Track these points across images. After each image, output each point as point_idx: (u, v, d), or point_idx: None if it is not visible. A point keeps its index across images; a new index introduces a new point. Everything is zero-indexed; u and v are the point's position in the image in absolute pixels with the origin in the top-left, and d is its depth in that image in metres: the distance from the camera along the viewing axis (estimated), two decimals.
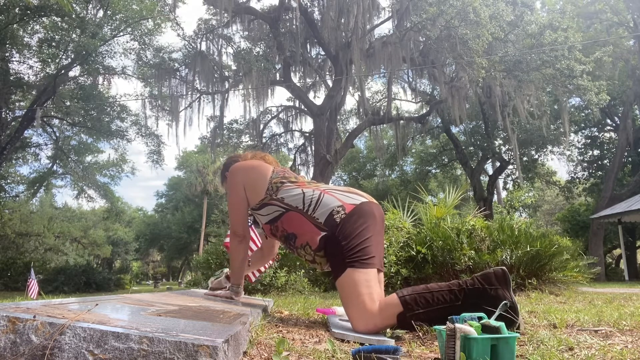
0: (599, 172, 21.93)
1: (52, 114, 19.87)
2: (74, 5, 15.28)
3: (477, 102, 18.51)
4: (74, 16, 15.75)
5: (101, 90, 19.50)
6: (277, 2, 15.30)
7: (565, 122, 16.13)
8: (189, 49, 15.87)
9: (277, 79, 16.00)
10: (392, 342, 1.53)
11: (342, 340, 1.62)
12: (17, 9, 15.58)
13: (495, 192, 22.49)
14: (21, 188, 24.45)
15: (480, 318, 1.37)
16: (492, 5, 13.33)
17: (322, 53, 16.44)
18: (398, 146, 19.68)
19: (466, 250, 4.73)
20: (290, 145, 19.68)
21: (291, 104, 18.44)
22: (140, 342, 0.88)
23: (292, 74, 15.99)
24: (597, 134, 22.65)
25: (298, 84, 16.46)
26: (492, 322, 1.27)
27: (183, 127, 16.14)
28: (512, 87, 14.06)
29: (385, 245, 5.01)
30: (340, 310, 2.18)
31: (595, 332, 1.73)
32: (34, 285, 9.82)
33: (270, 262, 3.12)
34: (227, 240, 2.69)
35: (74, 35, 16.61)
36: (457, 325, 1.21)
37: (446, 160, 24.79)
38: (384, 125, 19.51)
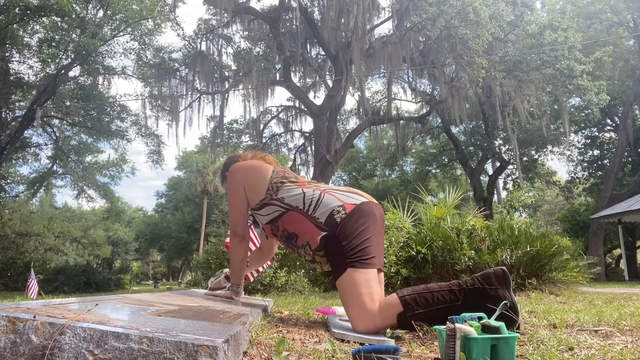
0: (599, 172, 21.93)
1: (52, 114, 19.87)
2: (74, 5, 15.28)
3: (477, 102, 18.51)
4: (74, 16, 15.75)
5: (101, 90, 19.51)
6: (277, 2, 15.30)
7: (565, 122, 16.13)
8: (189, 49, 15.87)
9: (277, 79, 16.00)
10: (392, 342, 1.53)
11: (342, 340, 1.62)
12: (17, 9, 15.58)
13: (495, 192, 22.49)
14: (21, 188, 24.49)
15: (480, 318, 1.37)
16: (492, 5, 13.33)
17: (322, 53, 16.44)
18: (398, 146, 19.68)
19: (466, 250, 4.73)
20: (290, 145, 19.71)
21: (291, 104, 18.45)
22: (140, 342, 0.88)
23: (292, 74, 15.99)
24: (597, 134, 22.65)
25: (298, 84, 16.46)
26: (492, 322, 1.27)
27: (183, 127, 16.16)
28: (512, 87, 14.07)
29: (385, 245, 5.00)
30: (340, 310, 2.17)
31: (595, 332, 1.73)
32: (33, 285, 9.82)
33: (269, 262, 3.12)
34: (228, 240, 2.69)
35: (74, 35, 16.61)
36: (457, 325, 1.21)
37: (446, 160, 24.79)
38: (384, 125, 19.51)
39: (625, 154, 20.10)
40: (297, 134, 19.19)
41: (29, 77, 18.30)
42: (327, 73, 17.10)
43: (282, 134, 19.42)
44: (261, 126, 17.95)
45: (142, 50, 17.89)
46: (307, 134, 18.41)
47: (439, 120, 20.33)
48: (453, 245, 4.84)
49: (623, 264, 17.06)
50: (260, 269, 3.39)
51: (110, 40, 17.37)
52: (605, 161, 21.95)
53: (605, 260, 19.50)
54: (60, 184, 26.66)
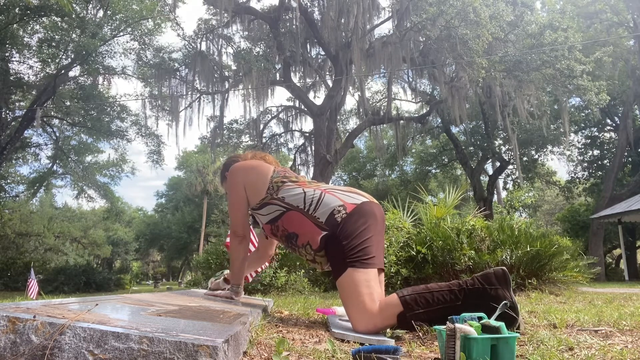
0: (599, 172, 21.92)
1: (52, 114, 19.87)
2: (74, 5, 15.27)
3: (477, 102, 18.51)
4: (74, 16, 15.75)
5: (101, 90, 19.50)
6: (277, 2, 15.30)
7: (565, 122, 16.13)
8: (189, 49, 15.87)
9: (277, 79, 16.00)
10: (392, 342, 1.53)
11: (342, 340, 1.62)
12: (17, 9, 15.58)
13: (495, 192, 22.49)
14: (21, 188, 24.48)
15: (480, 318, 1.37)
16: (492, 5, 13.33)
17: (322, 53, 16.44)
18: (398, 146, 19.67)
19: (466, 250, 4.73)
20: (290, 145, 19.71)
21: (291, 104, 18.45)
22: (140, 342, 0.88)
23: (292, 74, 15.99)
24: (597, 134, 22.65)
25: (298, 84, 16.46)
26: (492, 322, 1.27)
27: (183, 127, 16.15)
28: (512, 87, 14.07)
29: (385, 245, 5.00)
30: (340, 310, 2.17)
31: (595, 332, 1.73)
32: (33, 285, 9.82)
33: (267, 263, 3.12)
34: (228, 240, 2.69)
35: (74, 35, 16.61)
36: (457, 325, 1.21)
37: (446, 160, 24.79)
38: (384, 125, 19.51)
39: (625, 154, 20.10)
40: (297, 134, 19.20)
41: (29, 77, 18.33)
42: (327, 73, 17.10)
43: (282, 134, 19.43)
44: (261, 126, 17.95)
45: (142, 50, 17.90)
46: (307, 134, 18.42)
47: (439, 120, 20.33)
48: (453, 245, 4.84)
49: (623, 264, 17.06)
50: (259, 269, 3.40)
51: (110, 40, 17.36)
52: (605, 161, 21.95)
53: (605, 260, 19.50)
54: (60, 184, 26.69)
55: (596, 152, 22.73)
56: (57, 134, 21.44)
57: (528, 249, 4.63)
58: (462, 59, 13.13)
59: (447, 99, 14.58)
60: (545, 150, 21.78)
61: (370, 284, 1.80)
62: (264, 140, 18.32)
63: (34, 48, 17.56)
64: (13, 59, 17.70)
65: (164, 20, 17.50)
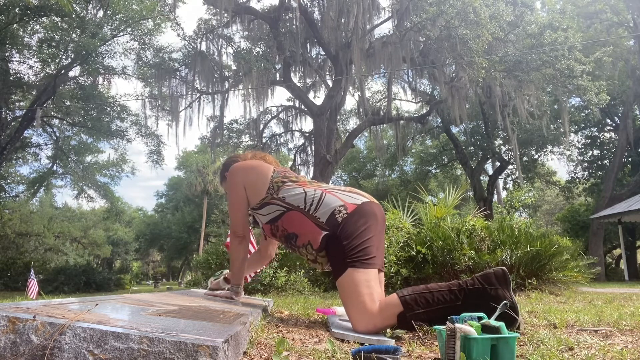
0: (599, 172, 21.93)
1: (52, 114, 19.87)
2: (74, 5, 15.27)
3: (477, 102, 18.51)
4: (74, 16, 15.75)
5: (101, 90, 19.50)
6: (277, 2, 15.30)
7: (565, 122, 16.13)
8: (189, 49, 15.87)
9: (277, 79, 16.00)
10: (392, 342, 1.53)
11: (342, 340, 1.62)
12: (17, 9, 15.58)
13: (495, 192, 22.49)
14: (21, 188, 24.48)
15: (480, 318, 1.37)
16: (492, 5, 13.33)
17: (322, 53, 16.44)
18: (398, 146, 19.67)
19: (466, 250, 4.73)
20: (290, 145, 19.71)
21: (291, 104, 18.45)
22: (140, 342, 0.88)
23: (292, 74, 15.99)
24: (597, 134, 22.65)
25: (298, 84, 16.46)
26: (492, 322, 1.27)
27: (183, 127, 16.15)
28: (512, 87, 14.07)
29: (385, 245, 5.00)
30: (340, 310, 2.18)
31: (595, 332, 1.73)
32: (33, 285, 9.82)
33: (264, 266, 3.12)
34: (229, 240, 2.69)
35: (74, 35, 16.61)
36: (457, 325, 1.21)
37: (446, 160, 24.79)
38: (384, 125, 19.51)
39: (625, 154, 20.10)
40: (297, 134, 19.20)
41: (29, 77, 18.33)
42: (327, 73, 17.10)
43: (282, 134, 19.43)
44: (261, 126, 17.94)
45: (142, 50, 17.89)
46: (307, 134, 18.42)
47: (439, 120, 20.33)
48: (453, 245, 4.84)
49: (623, 264, 17.06)
50: (258, 269, 3.40)
51: (110, 40, 17.36)
52: (605, 161, 21.95)
53: (605, 260, 19.50)
54: (60, 184, 26.69)
55: (596, 152, 22.73)
56: (57, 134, 21.44)
57: (528, 249, 4.63)
58: (462, 59, 13.13)
59: (447, 99, 14.58)
60: (545, 150, 21.78)
61: (370, 284, 1.80)
62: (264, 140, 18.32)
63: (34, 48, 17.56)
64: (13, 59, 17.71)
65: (164, 20, 17.50)
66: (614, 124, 21.72)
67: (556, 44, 13.21)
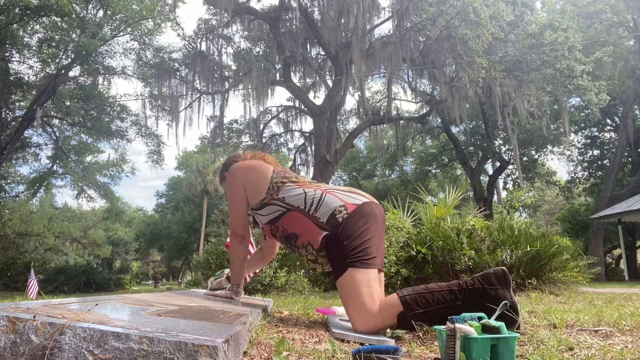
0: (599, 172, 21.93)
1: (52, 114, 19.87)
2: (74, 5, 15.27)
3: (477, 102, 18.51)
4: (74, 16, 15.74)
5: (101, 90, 19.50)
6: (277, 2, 15.30)
7: (565, 122, 16.13)
8: (189, 49, 15.87)
9: (277, 79, 16.00)
10: (392, 342, 1.53)
11: (342, 340, 1.62)
12: (17, 9, 15.58)
13: (495, 192, 22.49)
14: (21, 188, 24.48)
15: (480, 318, 1.37)
16: (492, 5, 13.33)
17: (322, 53, 16.44)
18: (398, 146, 19.67)
19: (466, 250, 4.73)
20: (290, 145, 19.71)
21: (291, 104, 18.45)
22: (140, 342, 0.88)
23: (292, 74, 15.99)
24: (597, 134, 22.65)
25: (298, 84, 16.46)
26: (492, 322, 1.27)
27: (183, 127, 16.15)
28: (512, 87, 14.07)
29: (385, 245, 5.00)
30: (340, 310, 2.18)
31: (595, 332, 1.73)
32: (33, 285, 9.82)
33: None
34: (229, 240, 2.69)
35: (74, 35, 16.61)
36: (457, 325, 1.21)
37: (446, 160, 24.79)
38: (384, 125, 19.51)
39: (625, 154, 20.10)
40: (297, 134, 19.20)
41: (29, 77, 18.33)
42: (327, 73, 17.10)
43: (282, 134, 19.43)
44: (261, 126, 17.94)
45: (142, 50, 17.89)
46: (307, 134, 18.42)
47: (439, 120, 20.33)
48: (453, 245, 4.84)
49: (623, 264, 17.06)
50: (257, 270, 3.40)
51: (110, 40, 17.36)
52: (605, 161, 21.95)
53: (605, 260, 19.50)
54: (60, 184, 26.70)
55: (596, 152, 22.74)
56: (57, 134, 21.44)
57: (528, 249, 4.63)
58: (462, 59, 13.13)
59: (447, 99, 14.58)
60: (545, 150, 21.78)
61: (370, 284, 1.80)
62: (264, 140, 18.32)
63: (34, 48, 17.57)
64: (13, 59, 17.71)
65: (164, 20, 17.50)
66: (614, 124, 21.72)
67: (556, 44, 13.21)
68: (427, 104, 19.29)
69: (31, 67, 18.21)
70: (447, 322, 1.26)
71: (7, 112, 18.05)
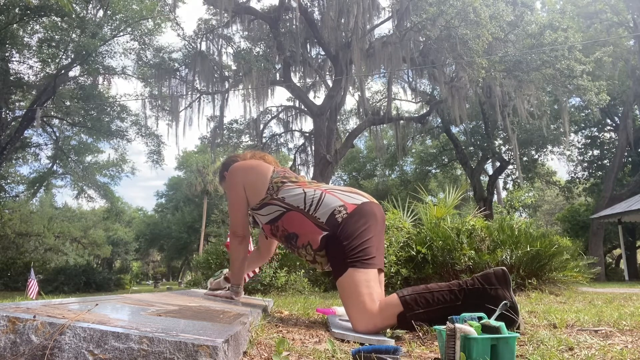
0: (599, 172, 21.93)
1: (52, 114, 19.87)
2: (74, 5, 15.27)
3: (477, 102, 18.52)
4: (74, 16, 15.74)
5: (101, 90, 19.50)
6: (277, 2, 15.30)
7: (565, 122, 16.13)
8: (189, 49, 15.87)
9: (277, 79, 16.00)
10: (392, 342, 1.53)
11: (342, 340, 1.62)
12: (17, 9, 15.58)
13: (495, 192, 22.49)
14: (21, 188, 24.48)
15: (480, 318, 1.37)
16: (492, 5, 13.33)
17: (322, 53, 16.44)
18: (398, 146, 19.67)
19: (466, 250, 4.73)
20: (290, 145, 19.71)
21: (291, 104, 18.45)
22: (140, 342, 0.88)
23: (292, 74, 15.99)
24: (597, 134, 22.65)
25: (298, 84, 16.46)
26: (492, 322, 1.27)
27: (183, 127, 16.15)
28: (512, 87, 14.07)
29: (385, 245, 5.00)
30: (340, 310, 2.17)
31: (595, 332, 1.73)
32: (33, 285, 9.81)
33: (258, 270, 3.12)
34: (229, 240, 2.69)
35: (74, 35, 16.61)
36: (457, 325, 1.21)
37: (446, 160, 24.79)
38: (384, 125, 19.51)
39: (625, 154, 20.10)
40: (297, 134, 19.20)
41: (29, 77, 18.33)
42: (327, 73, 17.10)
43: (282, 134, 19.43)
44: (261, 126, 17.94)
45: (142, 50, 17.89)
46: (307, 134, 18.42)
47: (439, 120, 20.33)
48: (453, 245, 4.84)
49: (623, 264, 17.06)
50: (257, 270, 3.40)
51: (110, 40, 17.36)
52: (605, 161, 21.95)
53: (605, 260, 19.50)
54: (60, 184, 26.70)
55: (596, 152, 22.74)
56: (57, 134, 21.44)
57: (528, 249, 4.63)
58: (462, 59, 13.13)
59: (447, 99, 14.58)
60: (545, 150, 21.78)
61: (370, 284, 1.80)
62: (264, 140, 18.32)
63: (34, 48, 17.56)
64: (13, 59, 17.71)
65: (164, 20, 17.50)
66: (614, 124, 21.72)
67: (556, 44, 13.21)
68: (427, 104, 19.29)
69: (31, 67, 18.24)
70: (447, 322, 1.26)
71: (7, 112, 18.05)
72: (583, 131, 22.71)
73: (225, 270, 2.61)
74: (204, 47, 15.78)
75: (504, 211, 15.72)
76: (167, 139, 30.43)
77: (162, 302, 1.69)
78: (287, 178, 2.13)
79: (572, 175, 22.95)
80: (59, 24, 16.69)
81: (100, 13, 17.16)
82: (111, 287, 20.63)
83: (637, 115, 20.74)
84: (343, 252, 1.86)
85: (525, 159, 21.41)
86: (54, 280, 18.47)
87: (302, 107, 16.93)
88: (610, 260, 23.37)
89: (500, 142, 21.35)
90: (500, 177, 22.63)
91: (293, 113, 18.58)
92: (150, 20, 17.44)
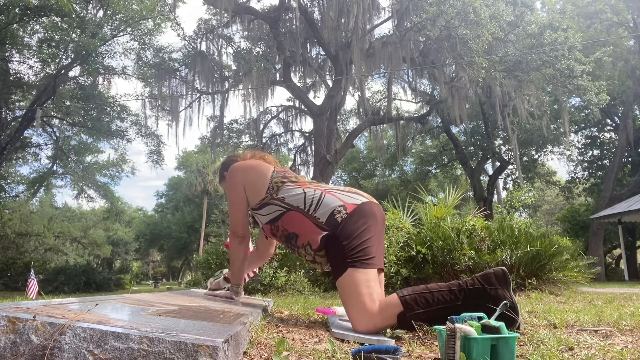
0: (599, 172, 21.93)
1: (52, 114, 19.87)
2: (74, 5, 15.27)
3: (477, 102, 18.51)
4: (74, 16, 15.74)
5: (101, 90, 19.50)
6: (277, 2, 15.30)
7: (565, 122, 16.13)
8: (189, 49, 15.87)
9: (277, 79, 16.00)
10: (392, 342, 1.53)
11: (342, 340, 1.62)
12: (17, 9, 15.58)
13: (495, 192, 22.49)
14: (21, 188, 24.48)
15: (480, 318, 1.37)
16: (492, 5, 13.33)
17: (322, 53, 16.44)
18: (398, 146, 19.68)
19: (466, 250, 4.73)
20: (290, 145, 19.72)
21: (291, 104, 18.45)
22: (140, 342, 0.88)
23: (292, 74, 15.99)
24: (597, 134, 22.66)
25: (298, 84, 16.46)
26: (492, 322, 1.27)
27: (183, 127, 16.15)
28: (512, 87, 14.07)
29: (385, 245, 5.00)
30: (340, 310, 2.17)
31: (595, 332, 1.73)
32: (33, 285, 9.82)
33: (257, 271, 3.11)
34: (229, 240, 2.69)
35: (74, 35, 16.61)
36: (457, 325, 1.21)
37: (446, 160, 24.80)
38: (384, 125, 19.51)
39: (625, 154, 20.10)
40: (297, 134, 19.20)
41: (29, 77, 18.33)
42: (327, 73, 17.10)
43: (282, 134, 19.43)
44: (261, 126, 17.95)
45: (142, 50, 17.89)
46: (307, 134, 18.42)
47: (439, 120, 20.33)
48: (453, 245, 4.84)
49: (623, 264, 17.06)
50: (257, 270, 3.40)
51: (110, 40, 17.36)
52: (605, 161, 21.95)
53: (605, 260, 19.50)
54: (60, 184, 26.70)
55: (596, 152, 22.74)
56: (57, 134, 21.44)
57: (528, 249, 4.63)
58: (462, 59, 13.13)
59: (447, 99, 14.58)
60: (545, 150, 21.79)
61: (370, 284, 1.80)
62: (264, 140, 18.32)
63: (34, 48, 17.56)
64: (13, 59, 17.71)
65: (164, 20, 17.50)
66: (614, 124, 21.72)
67: (556, 44, 13.21)
68: (427, 104, 19.29)
69: (31, 67, 18.24)
70: (447, 322, 1.26)
71: (7, 112, 18.05)
72: (583, 131, 22.71)
73: (225, 270, 2.61)
74: (204, 47, 15.79)
75: (504, 211, 15.72)
76: (167, 139, 30.48)
77: (162, 302, 1.69)
78: (287, 178, 2.12)
79: (572, 175, 22.96)
80: (59, 24, 16.69)
81: (100, 13, 17.16)
82: (111, 287, 20.63)
83: (637, 115, 20.74)
84: (343, 252, 1.86)
85: (525, 159, 21.41)
86: (54, 280, 18.48)
87: (302, 107, 16.93)
88: (610, 260, 23.37)
89: (500, 142, 21.35)
90: (500, 177, 22.64)
91: (293, 113, 18.58)
92: (150, 20, 17.44)
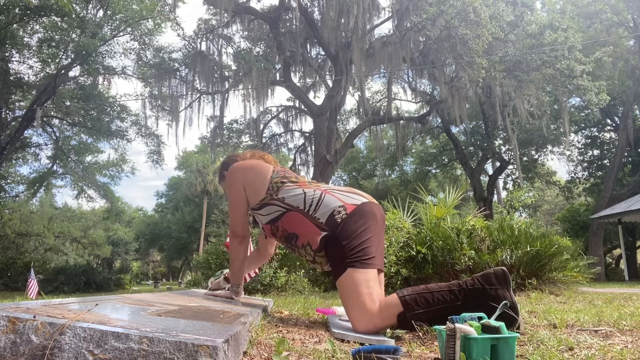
0: (599, 172, 21.93)
1: (52, 114, 19.87)
2: (74, 5, 15.27)
3: (477, 102, 18.51)
4: (74, 16, 15.74)
5: (101, 90, 19.50)
6: (277, 2, 15.30)
7: (565, 122, 16.13)
8: (189, 49, 15.87)
9: (277, 79, 16.00)
10: (392, 342, 1.53)
11: (342, 340, 1.62)
12: (17, 9, 15.58)
13: (495, 192, 22.49)
14: (21, 188, 24.48)
15: (480, 318, 1.37)
16: (492, 5, 13.33)
17: (322, 53, 16.44)
18: (398, 146, 19.67)
19: (466, 250, 4.73)
20: (290, 145, 19.72)
21: (291, 104, 18.45)
22: (140, 342, 0.88)
23: (292, 74, 15.99)
24: (597, 134, 22.66)
25: (298, 84, 16.46)
26: (492, 322, 1.27)
27: (183, 127, 16.15)
28: (512, 87, 14.07)
29: (385, 245, 5.00)
30: (340, 310, 2.17)
31: (595, 332, 1.73)
32: (33, 285, 9.82)
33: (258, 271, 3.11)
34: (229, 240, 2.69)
35: (74, 35, 16.61)
36: (457, 325, 1.21)
37: (446, 160, 24.80)
38: (384, 125, 19.51)
39: (625, 154, 20.10)
40: (297, 134, 19.20)
41: (29, 77, 18.33)
42: (327, 73, 17.10)
43: (282, 134, 19.43)
44: (261, 126, 17.94)
45: (142, 50, 17.89)
46: (307, 134, 18.42)
47: (439, 120, 20.33)
48: (453, 245, 4.84)
49: (623, 264, 17.06)
50: (257, 270, 3.40)
51: (110, 40, 17.36)
52: (605, 161, 21.95)
53: (605, 260, 19.50)
54: (60, 184, 26.70)
55: (596, 152, 22.74)
56: (57, 134, 21.44)
57: (528, 249, 4.62)
58: (462, 59, 13.13)
59: (447, 99, 14.58)
60: (545, 150, 21.79)
61: (370, 284, 1.80)
62: (264, 140, 18.32)
63: (34, 48, 17.56)
64: (13, 59, 17.71)
65: (164, 20, 17.50)
66: (614, 124, 21.72)
67: (556, 44, 13.21)
68: (427, 104, 19.29)
69: (31, 67, 18.24)
70: (447, 322, 1.26)
71: (7, 112, 18.05)
72: (583, 131, 22.71)
73: (226, 271, 2.61)
74: (204, 47, 15.79)
75: (504, 211, 15.72)
76: (167, 139, 30.49)
77: (162, 302, 1.69)
78: (287, 178, 2.12)
79: (572, 175, 22.96)
80: (59, 24, 16.68)
81: (100, 13, 17.16)
82: (111, 287, 20.63)
83: (637, 115, 20.74)
84: (342, 252, 1.85)
85: (525, 159, 21.41)
86: (54, 280, 18.48)
87: (302, 107, 16.93)
88: (610, 260, 23.37)
89: (500, 142, 21.36)
90: (500, 177, 22.64)
91: (293, 113, 18.58)
92: (150, 20, 17.44)
